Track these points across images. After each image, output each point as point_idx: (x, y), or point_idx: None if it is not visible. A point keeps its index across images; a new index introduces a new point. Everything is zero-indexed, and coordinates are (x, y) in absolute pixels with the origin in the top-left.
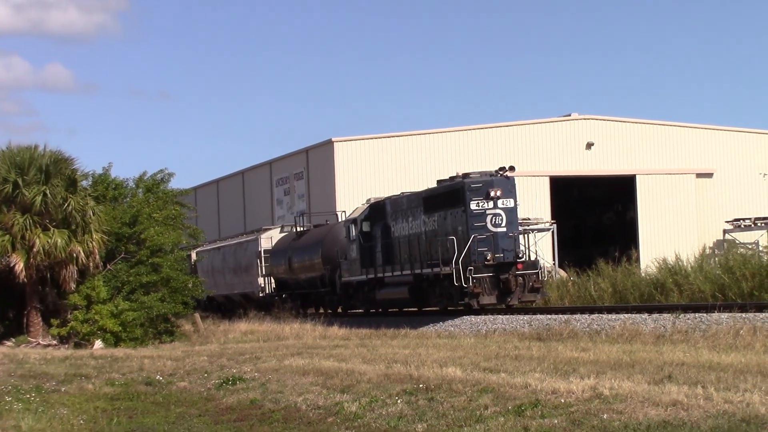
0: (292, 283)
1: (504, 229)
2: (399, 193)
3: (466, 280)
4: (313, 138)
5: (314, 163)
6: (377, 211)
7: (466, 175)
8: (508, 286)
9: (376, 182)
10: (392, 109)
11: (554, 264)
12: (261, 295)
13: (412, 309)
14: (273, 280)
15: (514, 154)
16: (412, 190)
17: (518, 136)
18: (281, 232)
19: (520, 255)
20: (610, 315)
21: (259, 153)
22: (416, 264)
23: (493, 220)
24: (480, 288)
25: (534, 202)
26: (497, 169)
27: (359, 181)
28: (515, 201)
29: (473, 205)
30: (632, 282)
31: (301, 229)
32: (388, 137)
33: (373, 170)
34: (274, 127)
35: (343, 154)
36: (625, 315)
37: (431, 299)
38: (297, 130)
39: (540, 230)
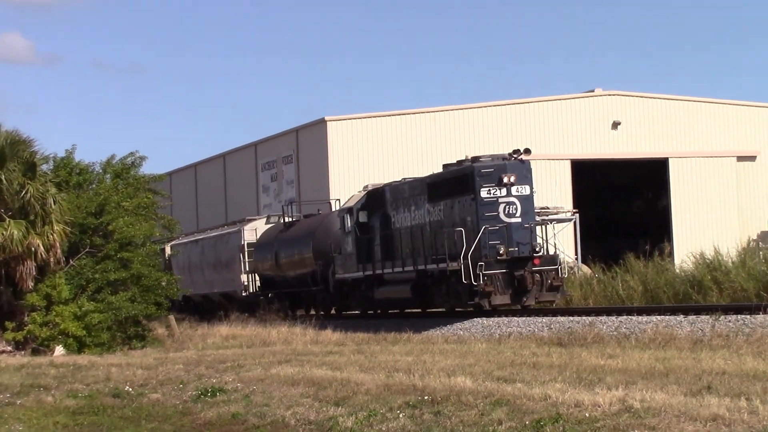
0: (279, 281)
1: (519, 220)
2: (400, 179)
3: (476, 277)
4: (303, 117)
5: (305, 145)
6: (376, 199)
7: (475, 159)
8: (524, 284)
9: (374, 167)
10: (393, 86)
11: (576, 259)
12: (244, 294)
13: (416, 310)
14: (258, 278)
15: (530, 135)
16: (415, 175)
17: (535, 114)
18: (267, 223)
19: (537, 249)
20: (640, 317)
21: (243, 134)
22: (420, 259)
23: (507, 209)
24: (492, 286)
25: (553, 189)
26: (511, 151)
27: (356, 166)
28: (531, 188)
29: (484, 193)
30: (665, 279)
31: (290, 219)
32: (389, 116)
33: (372, 153)
34: (259, 104)
35: (338, 135)
36: (658, 317)
37: (437, 299)
38: (285, 108)
39: (560, 221)
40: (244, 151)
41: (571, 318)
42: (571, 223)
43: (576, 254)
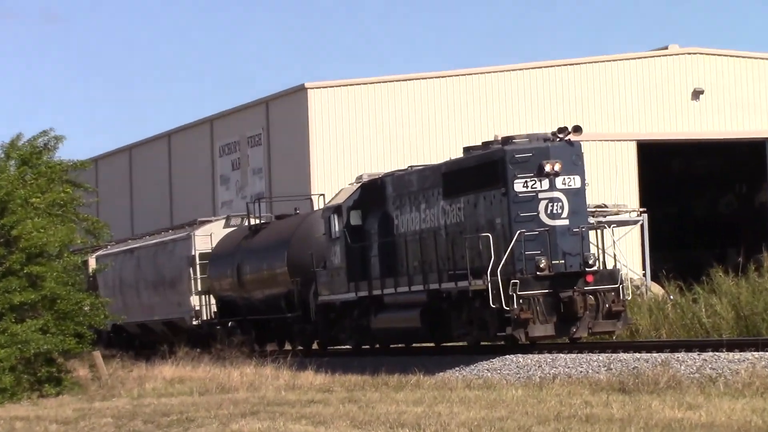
0: (242, 305)
1: (566, 222)
2: (406, 167)
3: (509, 299)
4: (275, 84)
5: (278, 122)
6: (373, 194)
7: (507, 140)
8: (573, 309)
9: (371, 151)
10: (393, 46)
11: (644, 275)
12: (195, 322)
13: (427, 344)
14: (214, 301)
15: (580, 108)
16: (426, 162)
17: (586, 80)
18: (227, 226)
19: (591, 261)
20: (731, 353)
21: (194, 106)
22: (432, 275)
23: (550, 207)
24: (530, 312)
25: (613, 181)
26: (555, 130)
27: (346, 150)
28: (583, 178)
29: (519, 186)
30: (765, 303)
31: (258, 222)
32: (390, 82)
33: (368, 133)
34: (215, 67)
35: (323, 108)
36: (755, 353)
37: (455, 329)
38: (252, 73)
39: (622, 223)
40: (196, 130)
41: (636, 355)
42: (637, 227)
43: (643, 268)
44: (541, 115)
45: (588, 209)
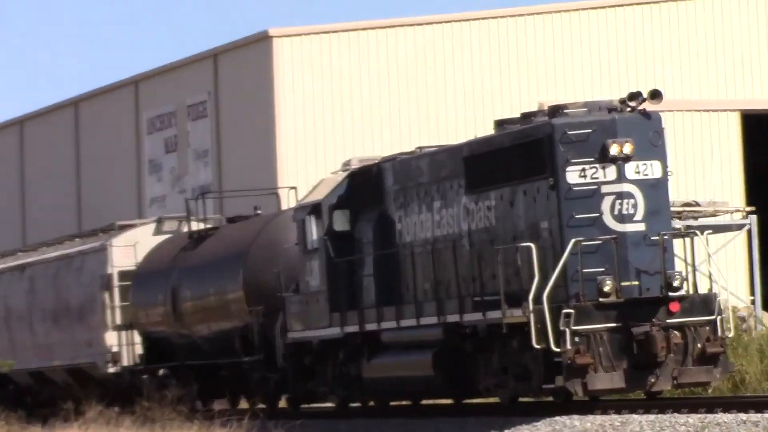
0: (180, 345)
1: (640, 227)
2: (413, 149)
3: (560, 336)
4: (226, 32)
5: (231, 84)
6: (367, 187)
7: (557, 110)
8: (652, 349)
9: (363, 126)
10: None
11: (752, 301)
12: (113, 370)
13: (443, 401)
14: (139, 339)
15: (658, 65)
16: (440, 143)
17: (669, 24)
18: (158, 232)
19: (677, 283)
20: None
21: (113, 62)
22: (450, 303)
23: (618, 206)
24: (590, 355)
25: (708, 168)
26: (625, 96)
27: (328, 124)
28: (665, 165)
29: (573, 175)
30: None
31: (202, 226)
32: (389, 28)
33: (358, 100)
34: (141, 9)
35: (294, 64)
36: None
37: (483, 380)
38: (193, 16)
39: (721, 228)
40: (113, 97)
41: (742, 416)
42: (743, 233)
43: (751, 293)
44: (602, 76)
45: (672, 208)
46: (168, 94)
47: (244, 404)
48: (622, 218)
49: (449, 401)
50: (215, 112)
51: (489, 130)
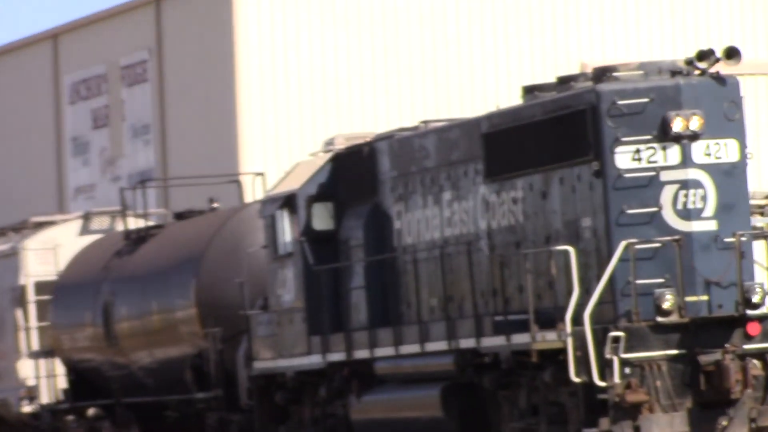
0: (115, 378)
1: (711, 225)
2: (416, 124)
3: (606, 367)
4: None
5: (179, 36)
6: (355, 173)
7: (603, 74)
8: (723, 384)
9: (350, 93)
10: None
11: None
12: (28, 409)
13: None
14: (64, 369)
15: (732, 19)
16: (450, 117)
17: None
18: (85, 232)
19: (757, 297)
20: None
21: (25, 11)
22: (464, 324)
23: (682, 198)
24: (644, 391)
25: None
26: (694, 55)
27: (305, 90)
28: (743, 145)
29: (624, 158)
30: None
31: (141, 224)
32: None
33: (344, 57)
34: None
35: (261, 13)
36: None
37: (505, 422)
38: None
39: None
40: (24, 54)
41: None
42: None
43: None
44: (663, 31)
45: (752, 201)
46: (96, 52)
47: None
48: (687, 214)
49: None
50: (158, 75)
51: (515, 101)
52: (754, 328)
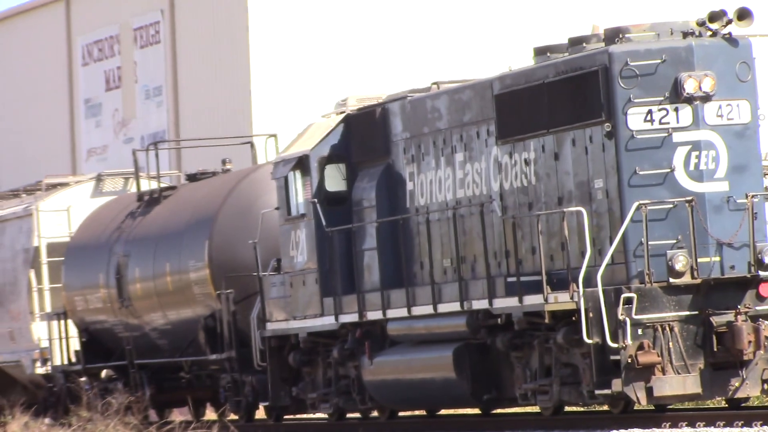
0: (128, 339)
1: (723, 186)
2: (428, 86)
3: (618, 328)
4: None
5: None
6: (367, 134)
7: (615, 35)
8: (736, 345)
9: (363, 53)
10: None
11: None
12: (41, 370)
13: (467, 411)
14: (76, 330)
15: None
16: (461, 78)
17: None
18: (98, 193)
19: (766, 258)
20: None
21: None
22: (476, 284)
23: (694, 159)
24: (656, 352)
25: None
26: (704, 17)
27: (318, 50)
28: (755, 106)
29: (637, 119)
30: None
31: (154, 186)
32: None
33: (356, 17)
34: None
35: None
36: None
37: (519, 383)
38: None
39: None
40: (36, 16)
41: None
42: None
43: None
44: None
45: (764, 162)
46: (109, 13)
47: (211, 415)
48: (699, 175)
49: (475, 411)
50: (171, 37)
51: (527, 62)
52: (766, 289)
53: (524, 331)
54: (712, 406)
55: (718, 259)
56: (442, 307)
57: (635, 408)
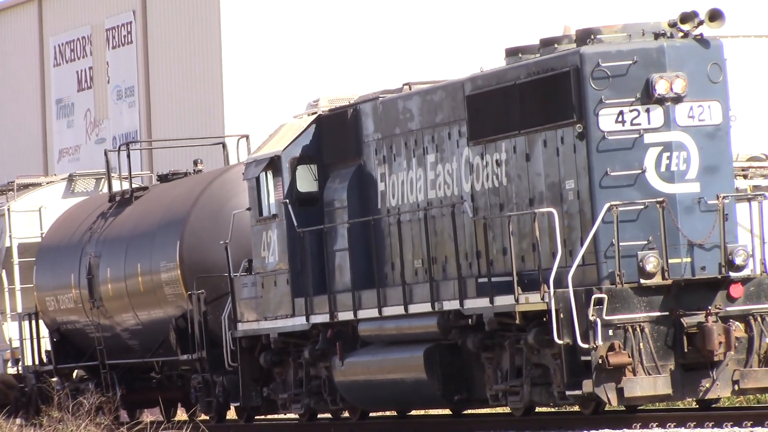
0: (99, 340)
1: (694, 187)
2: (400, 86)
3: (588, 329)
4: None
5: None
6: (339, 135)
7: (586, 36)
8: (706, 345)
9: (335, 54)
10: None
11: None
12: (12, 371)
13: (437, 411)
14: (48, 331)
15: None
16: (433, 78)
17: None
18: (69, 193)
19: (740, 260)
20: None
21: None
22: (447, 285)
23: (665, 160)
24: (627, 353)
25: None
26: (677, 18)
27: (291, 51)
28: (726, 106)
29: (608, 120)
30: None
31: (126, 186)
32: None
33: (329, 16)
34: None
35: None
36: None
37: (489, 384)
38: None
39: None
40: (9, 16)
41: None
42: None
43: None
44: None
45: (735, 164)
46: (81, 13)
47: (182, 415)
48: (670, 176)
49: (446, 412)
50: (143, 37)
51: (498, 62)
52: (737, 290)
53: (495, 332)
54: (682, 406)
55: (689, 260)
56: (413, 308)
57: (606, 409)
